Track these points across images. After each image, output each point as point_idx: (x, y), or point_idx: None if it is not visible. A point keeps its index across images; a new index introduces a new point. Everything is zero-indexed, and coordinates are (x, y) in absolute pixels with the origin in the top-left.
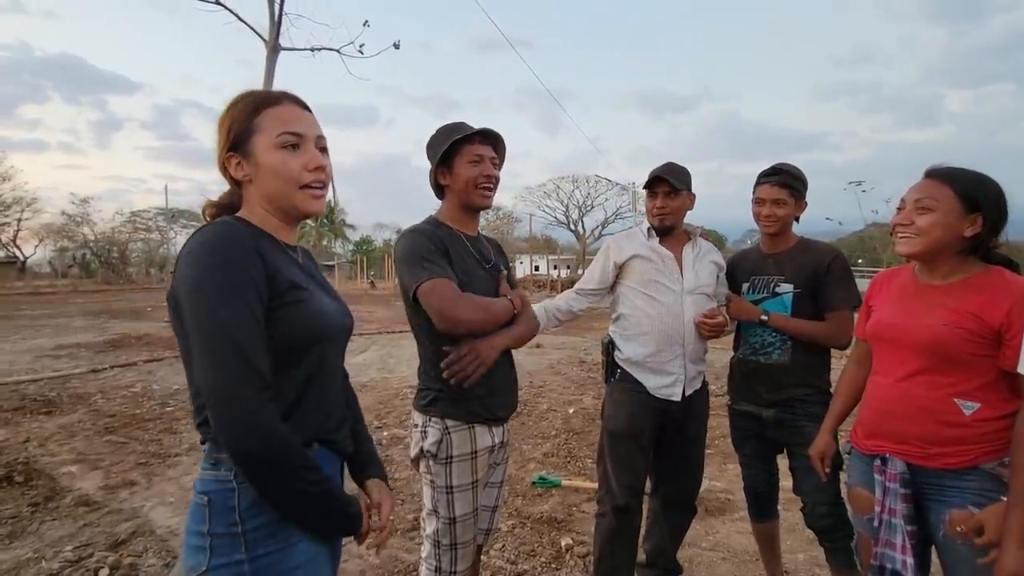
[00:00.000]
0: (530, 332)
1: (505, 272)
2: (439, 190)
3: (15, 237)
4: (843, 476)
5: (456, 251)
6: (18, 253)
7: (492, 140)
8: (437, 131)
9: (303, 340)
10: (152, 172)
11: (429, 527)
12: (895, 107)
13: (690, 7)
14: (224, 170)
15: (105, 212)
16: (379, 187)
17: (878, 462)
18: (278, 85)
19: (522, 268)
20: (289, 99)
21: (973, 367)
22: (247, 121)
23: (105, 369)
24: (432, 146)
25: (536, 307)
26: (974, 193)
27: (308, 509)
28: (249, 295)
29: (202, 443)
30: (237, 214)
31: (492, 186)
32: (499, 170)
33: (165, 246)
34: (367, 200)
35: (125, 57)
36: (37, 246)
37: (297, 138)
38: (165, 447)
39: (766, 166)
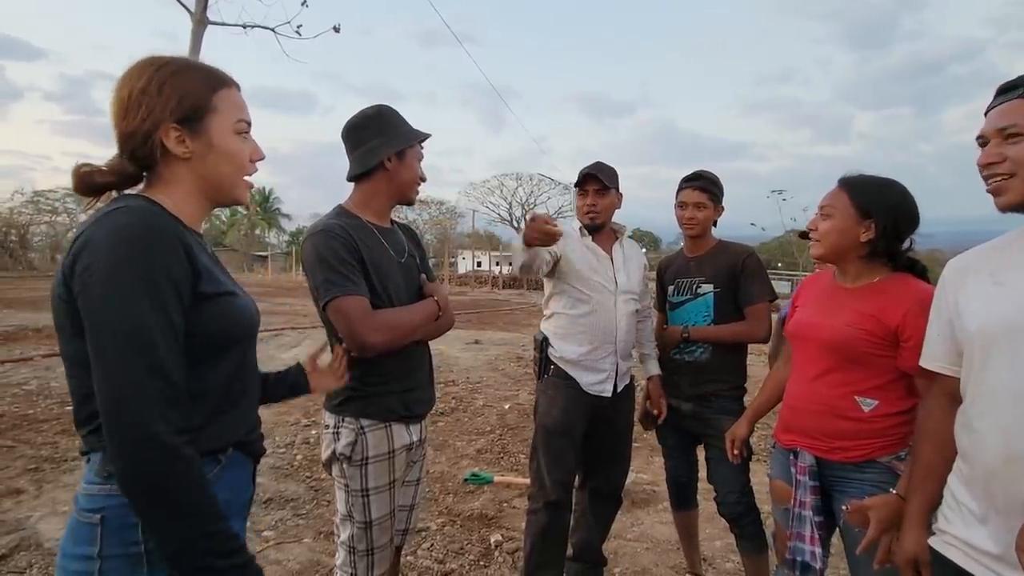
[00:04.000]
0: (448, 325)
1: (422, 272)
2: (368, 173)
3: None
4: (760, 468)
5: (368, 246)
6: None
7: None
8: (386, 110)
9: (227, 338)
10: (59, 148)
11: (344, 533)
12: (811, 123)
13: (630, 17)
14: (145, 139)
15: (1, 191)
16: (317, 176)
17: (791, 456)
18: (204, 61)
19: (464, 264)
20: (236, 84)
21: (873, 366)
22: (204, 97)
23: None
24: (388, 127)
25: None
26: (867, 200)
27: (193, 559)
28: (168, 294)
29: (84, 454)
30: (143, 193)
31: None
32: None
33: (74, 230)
34: (303, 189)
35: (24, 19)
36: None
37: (248, 127)
38: (61, 451)
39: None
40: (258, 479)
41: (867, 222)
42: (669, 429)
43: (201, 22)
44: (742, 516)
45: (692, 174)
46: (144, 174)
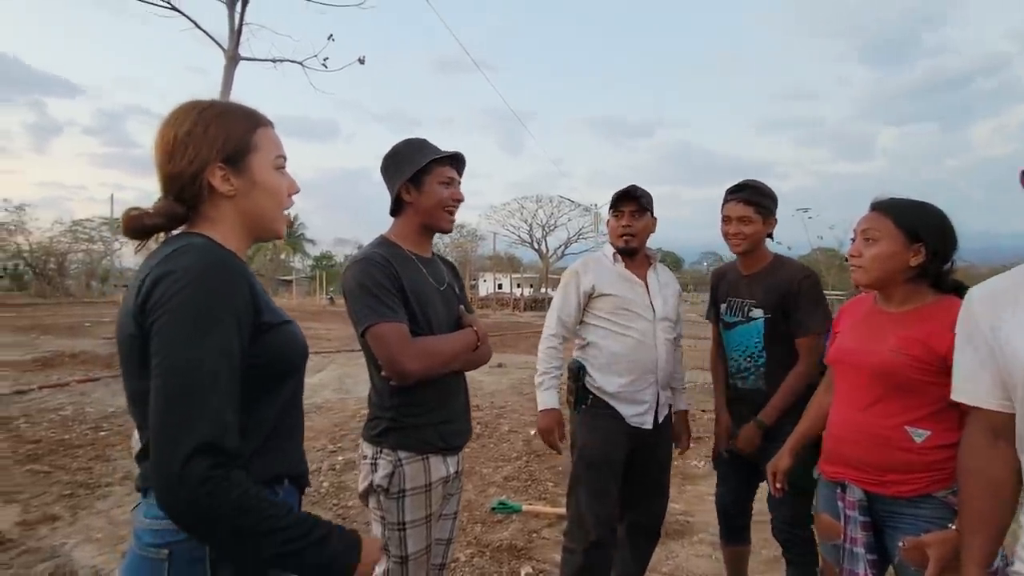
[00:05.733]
0: (486, 357)
1: (460, 303)
2: (398, 207)
3: None
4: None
5: (409, 276)
6: None
7: (458, 163)
8: (404, 145)
9: (288, 365)
10: (95, 180)
11: (379, 567)
12: (833, 141)
13: (645, 39)
14: (192, 180)
15: (42, 221)
16: (339, 202)
17: (839, 489)
18: (235, 95)
19: (485, 287)
20: (271, 123)
21: (923, 394)
22: (246, 137)
23: (32, 390)
24: (401, 160)
25: (545, 393)
26: (913, 223)
27: (277, 559)
28: (232, 331)
29: (141, 489)
30: (194, 230)
31: (456, 210)
32: None
33: (108, 257)
34: (327, 215)
35: (65, 58)
36: None
37: (285, 162)
38: (95, 476)
39: (719, 191)
40: None
41: (916, 246)
42: (723, 456)
43: (233, 58)
44: (790, 544)
45: (737, 184)
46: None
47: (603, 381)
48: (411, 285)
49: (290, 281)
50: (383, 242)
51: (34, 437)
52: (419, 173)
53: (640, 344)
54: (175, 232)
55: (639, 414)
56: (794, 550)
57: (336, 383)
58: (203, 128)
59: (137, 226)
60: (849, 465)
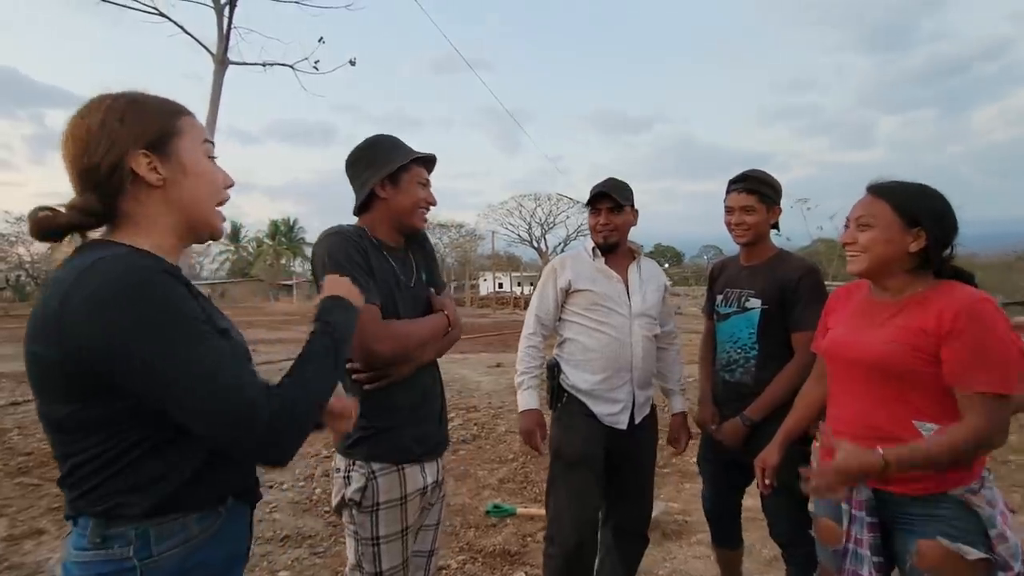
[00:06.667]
0: (454, 340)
1: (431, 288)
2: (368, 201)
3: None
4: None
5: (380, 266)
6: None
7: (431, 165)
8: (380, 138)
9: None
10: None
11: None
12: (833, 130)
13: (643, 34)
14: (111, 171)
15: None
16: (338, 205)
17: (844, 488)
18: (227, 99)
19: (486, 286)
20: (191, 112)
21: (926, 385)
22: (168, 122)
23: (28, 402)
24: (377, 154)
25: (525, 394)
26: (912, 207)
27: (342, 354)
28: (200, 322)
29: (69, 518)
30: (113, 238)
31: (428, 211)
32: None
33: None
34: (326, 218)
35: (64, 70)
36: None
37: (213, 149)
38: None
39: (719, 184)
40: (276, 515)
41: (915, 231)
42: (709, 456)
43: (222, 63)
44: (793, 544)
45: (738, 175)
46: (108, 215)
47: (576, 378)
48: (380, 276)
49: (291, 285)
50: (358, 228)
51: (26, 449)
52: (399, 170)
53: (614, 340)
54: (89, 239)
55: (613, 414)
56: (799, 549)
57: None
58: (118, 117)
59: (48, 226)
60: None
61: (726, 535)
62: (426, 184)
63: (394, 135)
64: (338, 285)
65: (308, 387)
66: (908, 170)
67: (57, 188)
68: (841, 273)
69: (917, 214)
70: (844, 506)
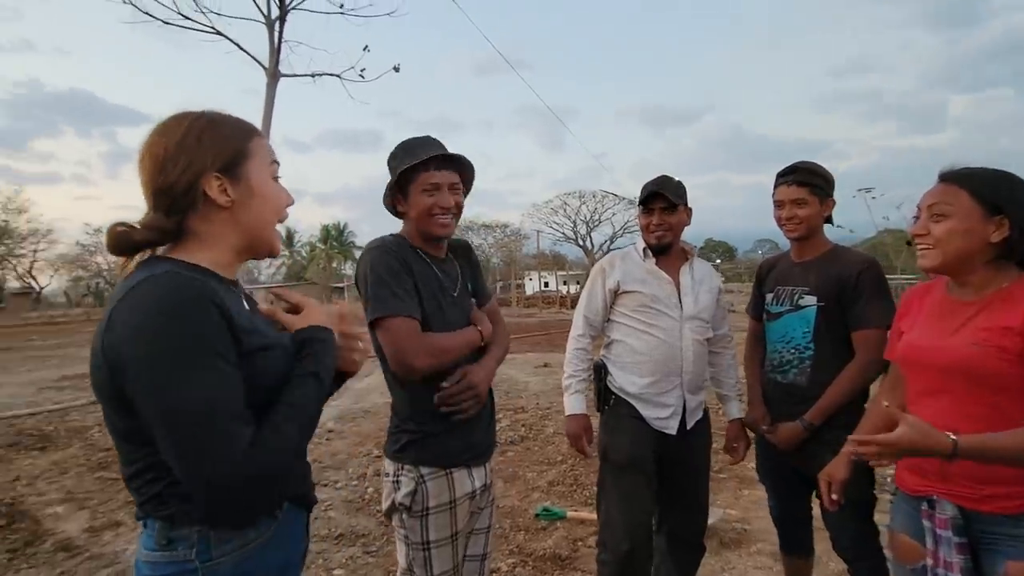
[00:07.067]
0: (504, 353)
1: (476, 298)
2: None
3: (31, 268)
4: (883, 517)
5: (422, 273)
6: (34, 284)
7: (455, 164)
8: (397, 149)
9: (275, 388)
10: None
11: None
12: (898, 114)
13: (688, 23)
14: (186, 191)
15: None
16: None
17: (925, 505)
18: (280, 111)
19: (531, 285)
20: (260, 132)
21: (1017, 389)
22: (241, 144)
23: None
24: (393, 167)
25: (572, 398)
26: (993, 193)
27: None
28: (213, 356)
29: (139, 519)
30: (172, 254)
31: (449, 215)
32: (464, 195)
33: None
34: (375, 222)
35: (132, 90)
36: (52, 276)
37: (278, 169)
38: None
39: (772, 176)
40: (330, 513)
41: (997, 219)
42: (768, 464)
43: (274, 75)
44: (859, 558)
45: (788, 167)
46: (177, 233)
47: (624, 381)
48: (423, 286)
49: (342, 288)
50: (399, 238)
51: (106, 445)
52: (405, 181)
53: (663, 343)
54: (150, 257)
55: (663, 418)
56: (864, 563)
57: (383, 387)
58: (196, 137)
59: (124, 242)
60: (941, 477)
61: (796, 542)
62: (433, 189)
63: (423, 135)
64: (313, 314)
65: (288, 444)
66: (982, 154)
67: (131, 201)
68: (910, 266)
69: (999, 200)
70: (926, 523)
